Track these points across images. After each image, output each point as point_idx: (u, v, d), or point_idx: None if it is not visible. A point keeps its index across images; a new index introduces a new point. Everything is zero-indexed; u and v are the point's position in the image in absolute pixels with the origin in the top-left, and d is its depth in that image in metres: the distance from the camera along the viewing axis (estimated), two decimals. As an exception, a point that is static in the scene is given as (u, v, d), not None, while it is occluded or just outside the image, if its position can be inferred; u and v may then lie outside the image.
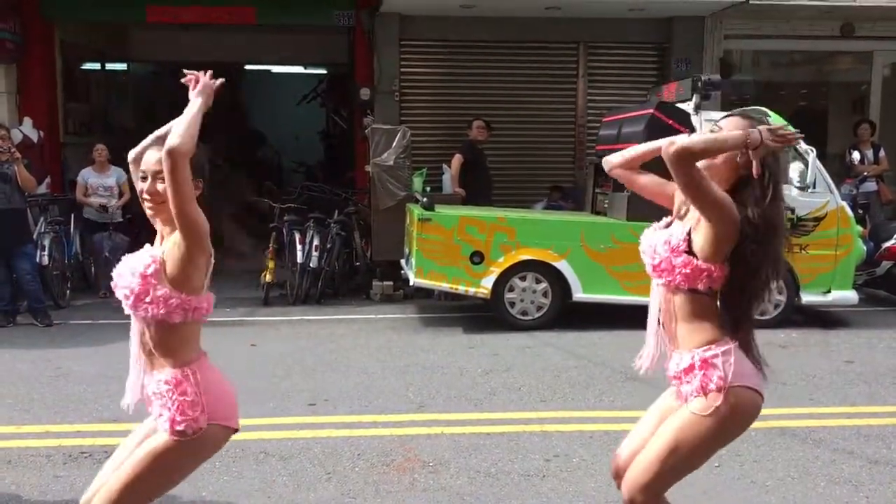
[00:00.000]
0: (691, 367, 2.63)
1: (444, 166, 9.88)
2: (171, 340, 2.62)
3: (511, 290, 7.88)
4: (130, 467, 2.58)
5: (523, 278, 7.88)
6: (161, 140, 2.59)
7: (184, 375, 2.59)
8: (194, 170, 2.56)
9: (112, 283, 2.69)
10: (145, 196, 2.65)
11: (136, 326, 2.66)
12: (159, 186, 2.60)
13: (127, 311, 2.67)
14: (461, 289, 7.89)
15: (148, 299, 2.56)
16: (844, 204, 8.21)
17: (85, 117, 12.03)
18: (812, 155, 7.90)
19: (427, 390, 5.89)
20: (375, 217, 9.48)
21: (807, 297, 8.06)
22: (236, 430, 2.72)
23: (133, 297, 2.58)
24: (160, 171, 2.55)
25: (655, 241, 2.68)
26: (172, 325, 2.60)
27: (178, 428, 2.54)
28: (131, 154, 2.76)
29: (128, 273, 2.61)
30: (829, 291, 8.08)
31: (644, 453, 2.70)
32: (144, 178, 2.66)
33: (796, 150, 8.02)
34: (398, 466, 4.44)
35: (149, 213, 2.68)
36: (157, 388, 2.59)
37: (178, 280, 2.58)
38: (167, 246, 2.61)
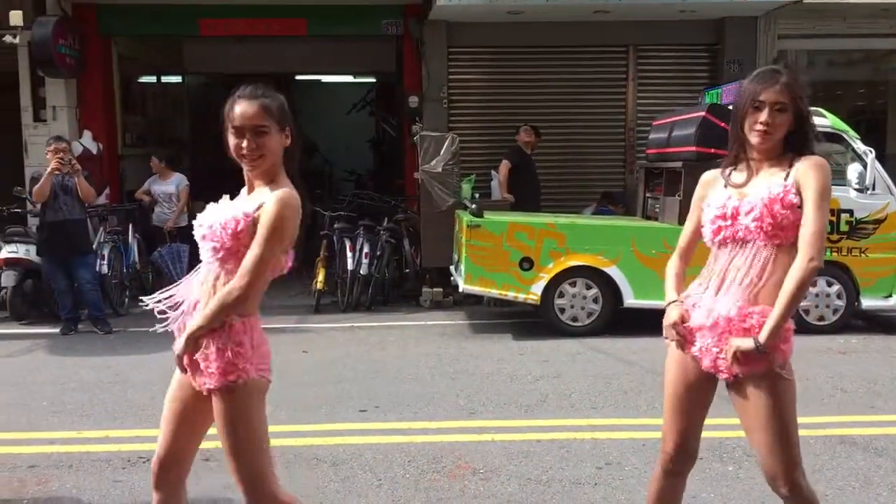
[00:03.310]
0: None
1: (493, 172, 9.88)
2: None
3: (561, 296, 7.83)
4: (229, 444, 2.64)
5: (573, 284, 7.84)
6: (255, 89, 2.65)
7: (244, 326, 2.64)
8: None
9: (198, 230, 2.71)
10: (244, 153, 2.63)
11: (209, 271, 2.68)
12: (261, 140, 2.61)
13: (207, 257, 2.70)
14: (511, 295, 7.87)
15: (237, 254, 2.61)
16: (906, 206, 7.98)
17: (141, 129, 12.33)
18: (871, 156, 7.70)
19: (477, 397, 5.88)
20: (424, 224, 9.52)
21: (867, 302, 7.85)
22: (269, 382, 2.76)
23: (223, 252, 2.62)
24: (259, 125, 2.60)
25: (758, 201, 2.66)
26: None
27: (230, 378, 2.60)
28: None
29: (219, 227, 2.62)
30: (890, 295, 7.86)
31: (768, 445, 2.70)
32: (241, 134, 2.63)
33: (854, 150, 7.84)
34: (449, 473, 4.44)
35: (245, 167, 2.69)
36: (220, 334, 2.62)
37: None
38: (267, 207, 2.59)
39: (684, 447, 2.91)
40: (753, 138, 2.72)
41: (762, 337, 2.63)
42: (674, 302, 2.88)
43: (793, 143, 2.74)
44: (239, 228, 2.60)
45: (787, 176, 2.71)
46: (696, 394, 2.87)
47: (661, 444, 2.96)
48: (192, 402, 2.76)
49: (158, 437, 2.82)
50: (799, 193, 2.66)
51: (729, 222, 2.74)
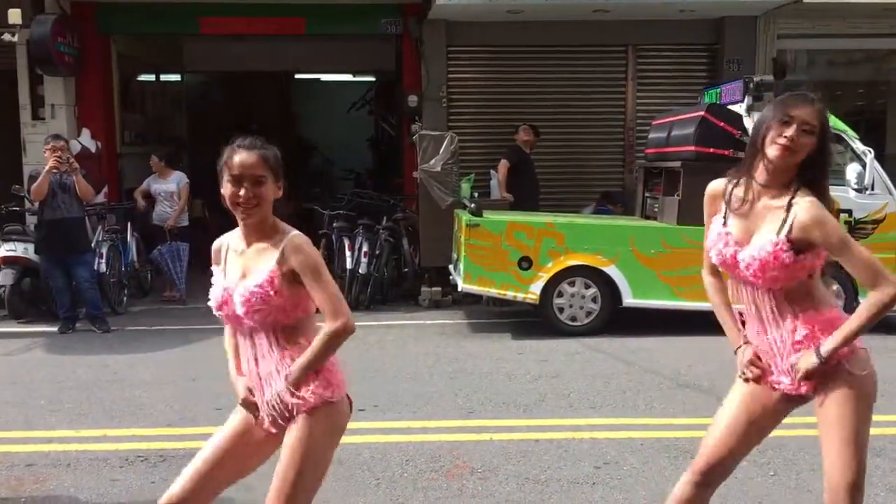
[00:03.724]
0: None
1: (492, 171, 9.88)
2: (298, 334, 2.70)
3: (560, 295, 7.83)
4: (287, 465, 2.60)
5: (572, 283, 7.83)
6: (253, 140, 2.67)
7: None
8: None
9: (225, 308, 2.69)
10: (240, 201, 2.62)
11: (258, 342, 2.68)
12: (258, 190, 2.61)
13: (248, 326, 2.68)
14: (509, 294, 7.87)
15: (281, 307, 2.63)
16: (905, 206, 7.98)
17: (140, 127, 12.32)
18: (870, 156, 7.71)
19: (476, 396, 5.88)
20: (423, 223, 9.51)
21: (866, 302, 7.83)
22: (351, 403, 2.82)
23: (273, 313, 2.62)
24: (258, 175, 2.61)
25: (753, 261, 2.65)
26: (299, 322, 2.69)
27: (327, 394, 2.66)
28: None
29: (256, 291, 2.60)
30: (889, 296, 7.85)
31: (837, 455, 2.64)
32: (238, 183, 2.62)
33: (853, 150, 7.83)
34: (447, 472, 4.44)
35: (239, 216, 2.67)
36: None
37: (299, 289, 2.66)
38: (294, 252, 2.61)
39: (724, 466, 2.83)
40: (773, 151, 2.62)
41: (824, 351, 2.62)
42: (744, 345, 2.85)
43: (804, 175, 2.66)
44: (277, 284, 2.61)
45: (783, 224, 2.63)
46: (761, 419, 2.82)
47: (696, 457, 2.86)
48: (251, 447, 2.76)
49: (176, 482, 2.70)
50: (793, 246, 2.61)
51: (730, 268, 2.75)
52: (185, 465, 2.85)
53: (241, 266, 2.71)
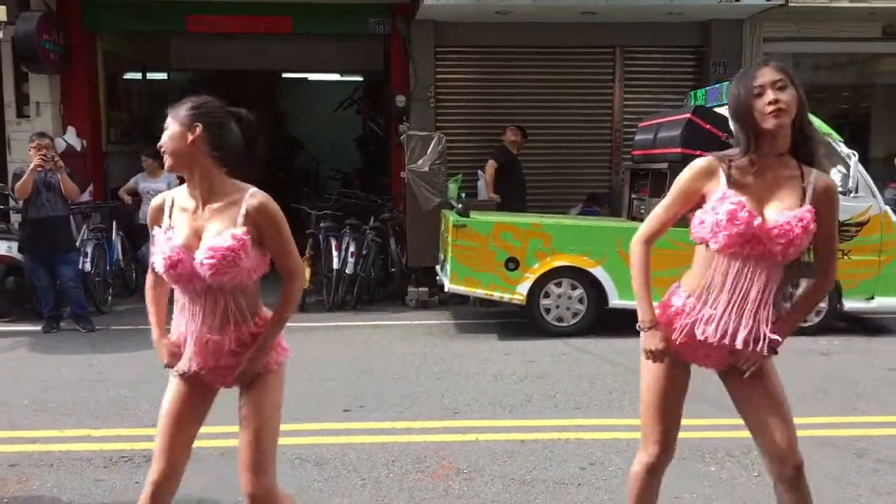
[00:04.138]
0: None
1: (479, 172, 9.89)
2: (251, 298, 2.83)
3: (546, 296, 7.84)
4: (256, 425, 2.76)
5: (559, 284, 7.85)
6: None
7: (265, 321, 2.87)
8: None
9: (179, 267, 2.69)
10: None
11: (212, 299, 2.72)
12: (164, 137, 2.70)
13: (204, 285, 2.70)
14: (496, 295, 7.88)
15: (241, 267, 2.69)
16: (888, 209, 8.04)
17: (127, 126, 12.26)
18: (854, 158, 7.76)
19: (462, 397, 5.88)
20: (411, 223, 9.51)
21: (849, 304, 7.90)
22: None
23: (240, 274, 2.68)
24: (164, 127, 2.71)
25: (794, 228, 2.61)
26: (253, 284, 2.80)
27: (282, 359, 2.86)
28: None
29: (227, 253, 2.62)
30: (872, 298, 7.92)
31: (778, 419, 2.78)
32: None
33: (838, 153, 7.88)
34: (433, 473, 4.44)
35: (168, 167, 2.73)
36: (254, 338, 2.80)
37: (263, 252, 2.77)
38: (261, 213, 2.69)
39: (671, 444, 2.97)
40: (770, 121, 2.59)
41: (777, 346, 2.77)
42: (654, 328, 2.92)
43: (799, 135, 2.69)
44: (249, 246, 2.68)
45: (804, 195, 2.65)
46: (682, 391, 2.97)
47: (644, 445, 3.02)
48: (200, 409, 2.91)
49: (157, 459, 2.83)
50: (816, 217, 2.66)
51: (750, 240, 2.63)
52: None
53: (192, 226, 2.73)
